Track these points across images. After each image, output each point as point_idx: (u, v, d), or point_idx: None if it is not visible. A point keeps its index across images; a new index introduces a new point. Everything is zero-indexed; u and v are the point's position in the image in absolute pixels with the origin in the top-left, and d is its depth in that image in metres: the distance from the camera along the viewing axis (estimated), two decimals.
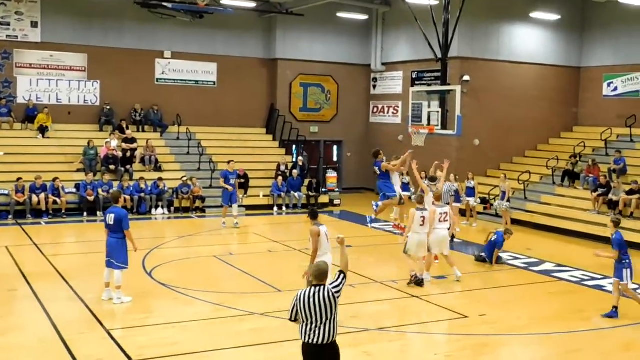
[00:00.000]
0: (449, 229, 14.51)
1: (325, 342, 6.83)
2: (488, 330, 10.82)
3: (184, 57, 26.40)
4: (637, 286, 12.94)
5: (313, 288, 6.91)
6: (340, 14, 27.31)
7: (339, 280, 7.02)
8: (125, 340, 9.79)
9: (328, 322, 6.82)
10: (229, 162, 20.42)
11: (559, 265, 15.80)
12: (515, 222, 20.75)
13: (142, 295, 12.43)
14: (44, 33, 24.03)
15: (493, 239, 15.78)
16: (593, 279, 14.60)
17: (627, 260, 11.80)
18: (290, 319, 6.98)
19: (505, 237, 15.81)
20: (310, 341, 6.84)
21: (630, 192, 19.57)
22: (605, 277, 14.66)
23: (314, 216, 11.22)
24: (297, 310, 6.86)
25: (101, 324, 10.54)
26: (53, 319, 10.74)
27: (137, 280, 13.41)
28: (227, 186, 19.76)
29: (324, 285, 6.93)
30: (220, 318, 11.08)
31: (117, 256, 11.63)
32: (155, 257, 15.48)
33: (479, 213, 21.97)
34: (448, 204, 16.95)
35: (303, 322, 6.87)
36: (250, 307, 11.69)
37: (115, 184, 21.88)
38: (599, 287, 13.91)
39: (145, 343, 9.76)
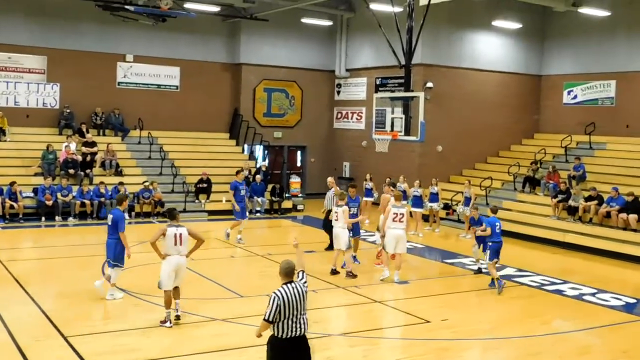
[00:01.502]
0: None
1: (304, 333, 7.27)
2: (450, 335, 10.87)
3: (146, 61, 26.12)
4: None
5: (289, 284, 7.24)
6: (304, 20, 27.32)
7: (304, 277, 7.42)
8: (83, 346, 9.59)
9: (304, 314, 7.26)
10: (237, 173, 19.25)
11: (520, 270, 15.94)
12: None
13: (101, 301, 12.22)
14: (1, 34, 23.51)
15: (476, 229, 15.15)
16: (553, 283, 14.77)
17: (493, 242, 13.92)
18: (269, 320, 7.14)
19: (472, 212, 16.16)
20: (293, 334, 7.18)
21: (589, 199, 19.88)
22: (565, 282, 14.87)
23: (171, 217, 11.09)
24: (278, 309, 7.08)
25: (58, 330, 10.32)
26: (8, 325, 10.48)
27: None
28: (234, 202, 18.15)
29: (294, 281, 7.28)
30: (181, 324, 10.92)
31: (113, 255, 12.08)
32: None
33: (441, 218, 22.10)
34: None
35: (283, 318, 7.12)
36: (212, 312, 11.56)
37: (75, 188, 21.56)
38: (559, 292, 14.08)
39: (104, 349, 9.58)
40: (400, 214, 14.30)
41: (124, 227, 12.03)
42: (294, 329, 7.16)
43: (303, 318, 7.22)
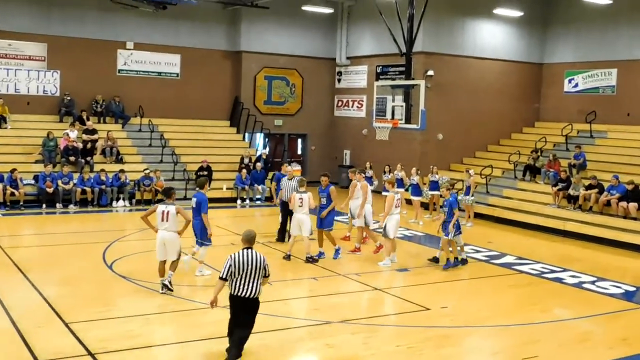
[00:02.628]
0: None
1: (250, 295, 8.55)
2: (449, 322, 10.92)
3: (146, 48, 26.08)
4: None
5: (246, 250, 8.65)
6: (305, 7, 27.23)
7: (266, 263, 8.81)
8: (85, 333, 9.63)
9: (255, 279, 8.55)
10: (284, 165, 18.16)
11: (520, 258, 15.99)
12: (477, 215, 20.98)
13: (102, 288, 12.28)
14: (2, 21, 23.48)
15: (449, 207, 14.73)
16: (552, 271, 14.81)
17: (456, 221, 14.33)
18: (222, 277, 8.50)
19: (444, 192, 16.04)
20: (238, 293, 8.54)
21: (589, 187, 19.89)
22: (565, 270, 14.92)
23: (165, 195, 12.12)
24: (230, 269, 8.46)
25: (60, 317, 10.36)
26: (10, 311, 10.53)
27: (97, 273, 13.25)
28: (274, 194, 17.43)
29: (253, 249, 8.69)
30: (182, 310, 10.98)
31: (200, 235, 12.86)
32: (116, 249, 15.29)
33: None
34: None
35: (234, 277, 8.50)
36: None
37: (75, 175, 21.59)
38: (559, 280, 14.12)
39: (106, 336, 9.61)
40: (399, 199, 14.76)
41: (207, 209, 12.83)
42: (242, 289, 8.49)
43: (254, 282, 8.49)
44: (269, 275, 8.88)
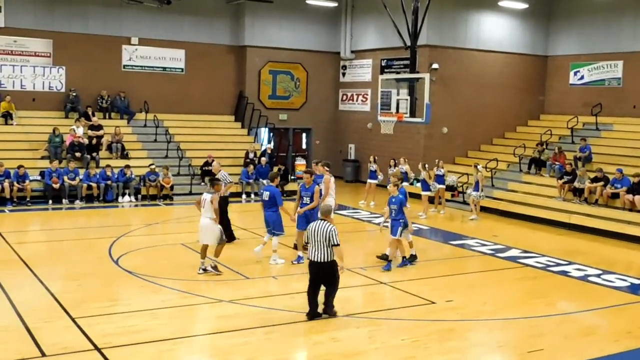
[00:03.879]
0: None
1: (321, 260, 10.02)
2: (454, 316, 10.93)
3: (151, 44, 26.09)
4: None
5: (319, 221, 10.25)
6: (309, 1, 27.18)
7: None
8: (91, 328, 9.68)
9: (323, 247, 9.96)
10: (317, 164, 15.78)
11: (525, 251, 15.98)
12: (482, 209, 20.96)
13: (108, 283, 12.34)
14: (7, 18, 23.53)
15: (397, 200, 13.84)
16: (558, 264, 14.81)
17: (403, 219, 13.59)
18: (305, 243, 10.68)
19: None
20: (314, 259, 10.06)
21: (595, 180, 19.85)
22: (570, 263, 14.91)
23: (211, 184, 13.62)
24: (307, 236, 10.28)
25: (66, 312, 10.41)
26: (17, 306, 10.59)
27: (103, 268, 13.31)
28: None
29: (327, 221, 10.20)
30: (188, 305, 11.03)
31: (273, 226, 13.66)
32: (122, 245, 15.34)
33: (447, 200, 22.11)
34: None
35: (310, 243, 10.11)
36: (218, 294, 11.65)
37: (82, 171, 21.66)
38: (564, 273, 14.11)
39: (112, 331, 9.66)
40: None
41: (282, 201, 13.65)
42: (316, 255, 10.01)
43: (324, 249, 9.95)
44: (336, 244, 9.98)
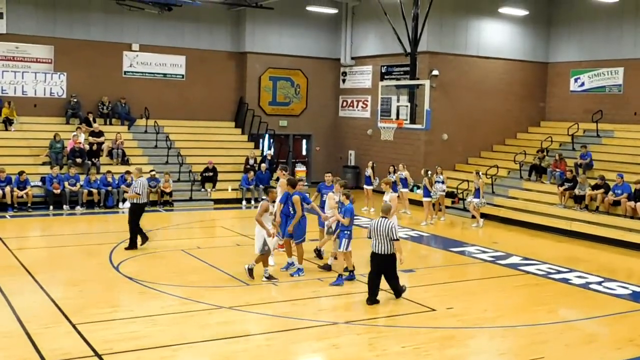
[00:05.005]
0: None
1: (383, 253, 11.42)
2: (455, 323, 10.91)
3: (152, 50, 26.14)
4: None
5: (381, 218, 11.56)
6: (309, 8, 27.25)
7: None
8: (91, 334, 9.67)
9: (385, 241, 11.34)
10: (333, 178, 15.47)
11: (526, 259, 15.96)
12: (483, 216, 20.93)
13: (109, 289, 12.33)
14: (9, 24, 23.59)
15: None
16: (559, 272, 14.78)
17: (349, 231, 12.95)
18: (369, 237, 11.60)
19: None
20: (376, 251, 11.48)
21: (596, 187, 19.83)
22: (572, 271, 14.89)
23: (265, 193, 13.57)
24: (370, 232, 11.57)
25: (67, 318, 10.40)
26: (18, 312, 10.58)
27: (104, 274, 13.30)
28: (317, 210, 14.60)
29: (387, 218, 11.51)
30: (188, 312, 11.00)
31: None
32: (122, 251, 15.31)
33: (447, 207, 22.10)
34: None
35: (372, 239, 11.49)
36: (218, 300, 11.63)
37: (82, 177, 21.65)
38: (565, 281, 14.09)
39: (112, 337, 9.65)
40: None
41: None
42: (378, 248, 11.43)
43: (384, 243, 11.33)
44: (396, 239, 11.32)
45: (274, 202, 13.48)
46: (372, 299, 11.58)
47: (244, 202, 23.54)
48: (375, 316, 11.24)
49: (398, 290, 11.87)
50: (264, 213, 12.71)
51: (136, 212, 15.49)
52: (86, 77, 24.86)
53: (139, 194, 15.38)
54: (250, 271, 12.87)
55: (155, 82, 26.38)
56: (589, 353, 9.91)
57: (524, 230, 20.03)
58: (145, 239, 15.52)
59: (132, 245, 15.35)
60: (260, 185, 23.67)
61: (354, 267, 13.25)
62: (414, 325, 10.77)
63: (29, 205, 20.53)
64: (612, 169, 21.00)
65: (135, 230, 15.39)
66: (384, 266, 11.54)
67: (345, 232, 12.94)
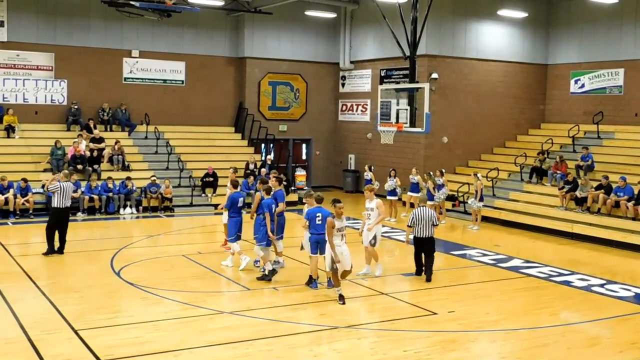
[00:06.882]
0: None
1: (426, 236, 13.58)
2: (456, 327, 10.89)
3: (151, 56, 26.20)
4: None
5: (422, 207, 13.71)
6: (308, 12, 27.29)
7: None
8: (93, 340, 9.67)
9: (428, 226, 13.52)
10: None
11: (527, 261, 15.94)
12: (483, 218, 20.94)
13: (110, 294, 12.33)
14: (10, 32, 23.69)
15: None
16: (561, 274, 14.76)
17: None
18: (409, 225, 13.72)
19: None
20: (420, 235, 13.54)
21: (597, 188, 19.80)
22: (573, 273, 14.87)
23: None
24: (414, 218, 13.53)
25: (69, 323, 10.40)
26: (20, 318, 10.58)
27: (105, 280, 13.30)
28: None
29: (427, 207, 13.79)
30: (189, 317, 11.00)
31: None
32: (124, 256, 15.34)
33: (447, 210, 22.09)
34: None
35: (418, 225, 13.50)
36: (220, 305, 11.64)
37: (83, 183, 21.67)
38: (567, 283, 14.07)
39: (114, 343, 9.65)
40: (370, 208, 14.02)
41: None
42: (423, 232, 13.51)
43: (428, 228, 13.51)
44: (437, 224, 13.74)
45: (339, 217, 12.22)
46: (419, 272, 13.95)
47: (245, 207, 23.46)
48: (375, 320, 11.23)
49: (430, 271, 13.69)
50: (332, 230, 11.81)
51: (53, 216, 15.34)
52: (86, 83, 24.91)
53: (48, 189, 15.26)
54: (341, 297, 11.92)
55: (155, 88, 26.42)
56: (591, 356, 9.89)
57: (525, 233, 20.02)
58: (51, 251, 15.06)
59: (51, 252, 15.09)
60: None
61: (318, 276, 12.85)
62: (415, 329, 10.76)
63: (30, 212, 20.54)
64: (613, 171, 20.97)
65: (53, 235, 15.13)
66: (426, 247, 13.64)
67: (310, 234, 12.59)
